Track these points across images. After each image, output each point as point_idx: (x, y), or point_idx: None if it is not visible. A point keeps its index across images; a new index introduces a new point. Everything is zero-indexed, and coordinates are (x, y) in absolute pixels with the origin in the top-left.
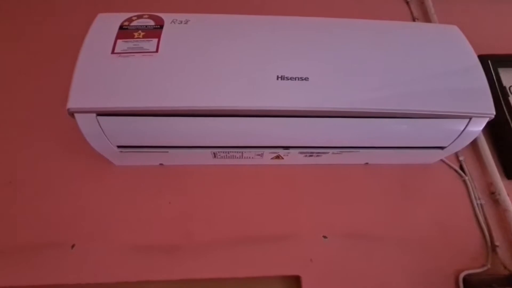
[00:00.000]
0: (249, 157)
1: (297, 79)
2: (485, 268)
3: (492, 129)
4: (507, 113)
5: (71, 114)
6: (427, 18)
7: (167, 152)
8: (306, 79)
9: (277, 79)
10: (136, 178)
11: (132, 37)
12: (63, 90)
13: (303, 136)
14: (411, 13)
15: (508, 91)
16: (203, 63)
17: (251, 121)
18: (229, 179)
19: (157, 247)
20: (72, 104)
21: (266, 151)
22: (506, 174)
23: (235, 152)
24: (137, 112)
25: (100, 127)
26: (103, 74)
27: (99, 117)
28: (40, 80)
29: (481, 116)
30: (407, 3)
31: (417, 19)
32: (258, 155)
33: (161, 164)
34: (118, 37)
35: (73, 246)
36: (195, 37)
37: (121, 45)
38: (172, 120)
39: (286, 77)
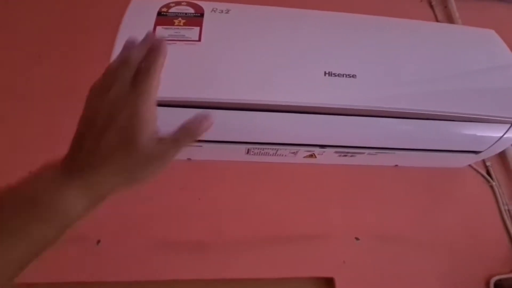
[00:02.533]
0: (282, 155)
1: (345, 75)
2: None
3: None
4: None
5: None
6: (451, 22)
7: (201, 146)
8: (354, 76)
9: (325, 75)
10: (163, 173)
11: (172, 24)
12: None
13: (342, 134)
14: (435, 16)
15: None
16: (248, 55)
17: (291, 117)
18: (260, 177)
19: (185, 244)
20: None
21: (302, 149)
22: None
23: (270, 149)
24: (177, 103)
25: None
26: None
27: None
28: (71, 69)
29: None
30: (432, 6)
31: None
32: (292, 153)
33: (188, 159)
34: (157, 23)
35: (98, 242)
36: (238, 28)
37: (162, 32)
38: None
39: (334, 74)
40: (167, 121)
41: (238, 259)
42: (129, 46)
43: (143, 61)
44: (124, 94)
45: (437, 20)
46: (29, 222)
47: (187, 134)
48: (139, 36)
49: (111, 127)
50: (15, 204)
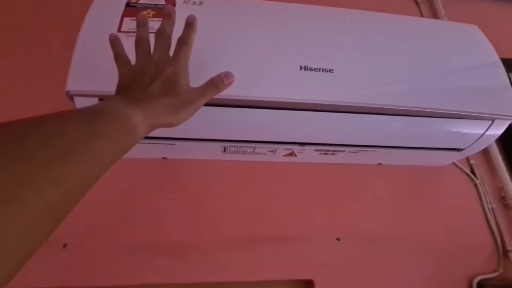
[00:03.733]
0: (261, 153)
1: (321, 70)
2: (497, 274)
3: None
4: None
5: (70, 97)
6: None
7: (174, 144)
8: (331, 71)
9: (301, 69)
10: (136, 172)
11: None
12: (61, 70)
13: (321, 132)
14: (421, 13)
15: None
16: (220, 48)
17: (268, 114)
18: (238, 176)
19: (158, 248)
20: (71, 86)
21: (281, 147)
22: None
23: (247, 147)
24: None
25: None
26: (109, 53)
27: None
28: (34, 58)
29: (504, 118)
30: (417, 3)
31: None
32: (270, 151)
33: (164, 158)
34: (125, 14)
35: (65, 245)
36: (211, 20)
37: (129, 23)
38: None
39: (310, 68)
40: None
41: (214, 262)
42: (167, 17)
43: (181, 34)
44: (166, 57)
45: (422, 17)
46: (100, 133)
47: (212, 86)
48: (104, 27)
49: (157, 79)
50: (85, 117)
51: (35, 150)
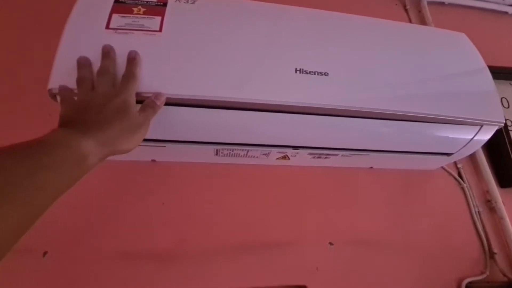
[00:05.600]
0: (254, 156)
1: (316, 73)
2: (484, 276)
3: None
4: None
5: (53, 95)
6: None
7: (164, 146)
8: (326, 74)
9: (296, 72)
10: (124, 175)
11: (131, 12)
12: (44, 66)
13: (316, 135)
14: (410, 20)
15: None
16: (212, 48)
17: (261, 116)
18: (230, 179)
19: (147, 254)
20: (54, 84)
21: (274, 150)
22: (500, 182)
23: (240, 150)
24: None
25: None
26: (95, 50)
27: None
28: (16, 54)
29: (492, 124)
30: (406, 10)
31: None
32: (264, 154)
33: (153, 160)
34: (113, 10)
35: (45, 253)
36: (204, 19)
37: (118, 20)
38: (172, 110)
39: (305, 71)
40: None
41: (205, 269)
42: (106, 57)
43: (127, 67)
44: (110, 89)
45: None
46: (47, 165)
47: (147, 109)
48: (91, 23)
49: (107, 106)
50: (31, 149)
51: None
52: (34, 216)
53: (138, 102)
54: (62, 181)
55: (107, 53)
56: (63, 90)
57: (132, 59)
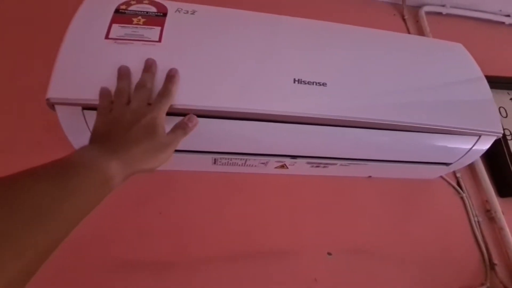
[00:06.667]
0: (252, 165)
1: (315, 83)
2: (484, 287)
3: None
4: None
5: (51, 105)
6: (422, 36)
7: None
8: (324, 84)
9: (294, 82)
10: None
11: (131, 22)
12: (43, 77)
13: (314, 145)
14: (408, 30)
15: (499, 111)
16: (212, 58)
17: (260, 126)
18: (228, 188)
19: (144, 264)
20: (53, 93)
21: (272, 159)
22: (499, 192)
23: (238, 159)
24: None
25: (86, 123)
26: (95, 60)
27: (85, 111)
28: (16, 64)
29: (490, 134)
30: (404, 20)
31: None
32: (262, 163)
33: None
34: (113, 21)
35: None
36: (204, 30)
37: (117, 30)
38: (170, 120)
39: (304, 81)
40: None
41: (202, 279)
42: (147, 71)
43: (164, 83)
44: (143, 106)
45: (409, 34)
46: (75, 190)
47: (179, 130)
48: (91, 33)
49: (136, 125)
50: (60, 172)
51: (1, 218)
52: (57, 243)
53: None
54: (86, 205)
55: (149, 67)
56: (102, 97)
57: (171, 77)
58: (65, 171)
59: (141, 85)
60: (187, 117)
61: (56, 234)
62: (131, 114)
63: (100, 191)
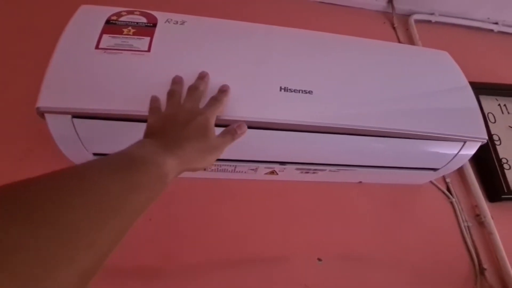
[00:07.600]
0: (242, 171)
1: (301, 91)
2: None
3: (474, 153)
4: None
5: (41, 114)
6: (412, 44)
7: None
8: (310, 92)
9: (280, 90)
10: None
11: (121, 33)
12: (33, 86)
13: (302, 151)
14: (398, 38)
15: (487, 117)
16: (200, 67)
17: (248, 133)
18: (218, 195)
19: (134, 271)
20: (43, 102)
21: (261, 165)
22: (489, 197)
23: (227, 165)
24: (121, 116)
25: (76, 131)
26: (84, 70)
27: (75, 120)
28: (7, 73)
29: (475, 140)
30: (394, 28)
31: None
32: (251, 169)
33: None
34: (104, 31)
35: None
36: (192, 40)
37: (108, 40)
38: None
39: (290, 89)
40: (106, 136)
41: (193, 285)
42: (200, 79)
43: (218, 93)
44: (197, 107)
45: (399, 41)
46: (136, 185)
47: (229, 135)
48: (82, 43)
49: (190, 124)
50: (121, 165)
51: (75, 211)
52: (120, 237)
53: (118, 119)
54: (148, 200)
55: (203, 77)
56: (153, 100)
57: (224, 91)
58: (129, 166)
59: (194, 87)
60: (237, 124)
61: (120, 229)
62: (185, 112)
63: (158, 186)
